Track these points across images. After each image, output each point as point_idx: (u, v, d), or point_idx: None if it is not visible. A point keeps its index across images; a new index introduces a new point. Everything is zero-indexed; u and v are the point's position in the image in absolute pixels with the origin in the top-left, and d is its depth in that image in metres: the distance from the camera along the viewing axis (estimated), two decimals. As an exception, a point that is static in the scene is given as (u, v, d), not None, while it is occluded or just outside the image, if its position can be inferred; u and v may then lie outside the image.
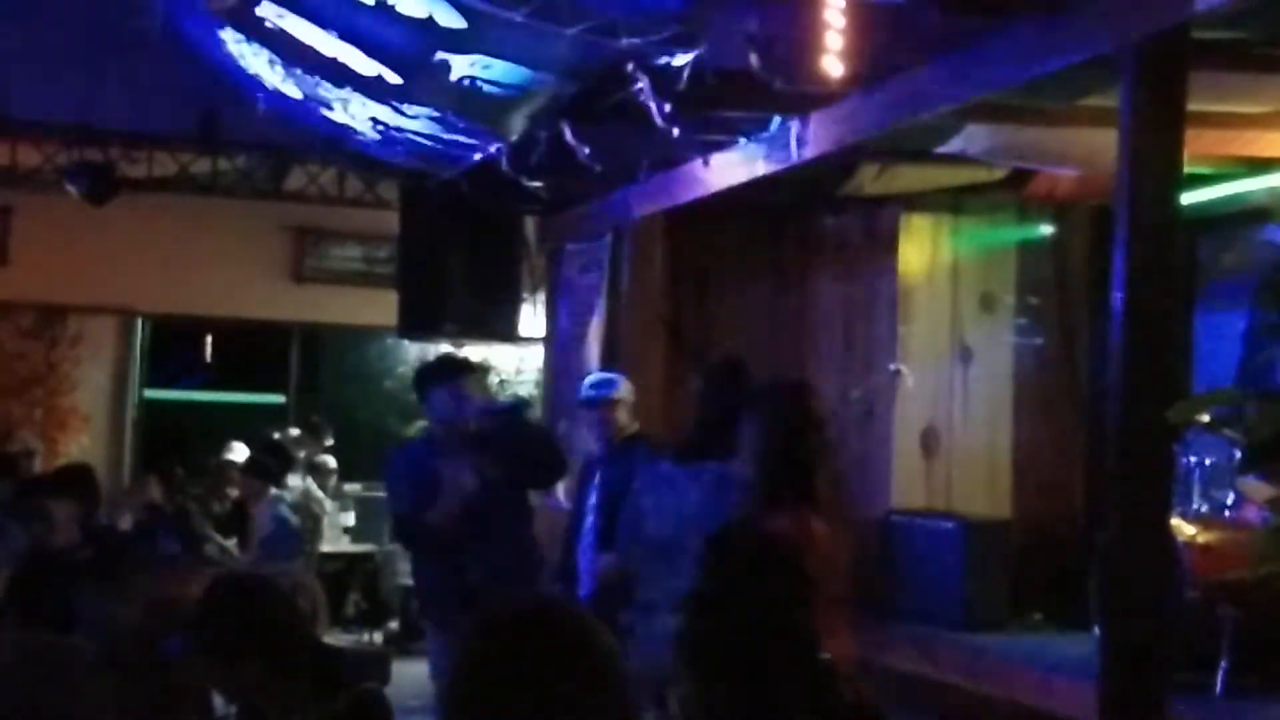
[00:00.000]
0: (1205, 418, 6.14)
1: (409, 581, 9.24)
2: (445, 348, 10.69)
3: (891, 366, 8.01)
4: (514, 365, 10.08)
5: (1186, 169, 5.08)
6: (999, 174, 7.77)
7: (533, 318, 9.66)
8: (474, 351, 10.39)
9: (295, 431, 9.74)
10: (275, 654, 3.13)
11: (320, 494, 9.53)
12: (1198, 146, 5.78)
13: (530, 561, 5.84)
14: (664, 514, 4.76)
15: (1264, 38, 5.04)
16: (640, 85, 6.18)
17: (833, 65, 4.97)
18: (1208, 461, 6.57)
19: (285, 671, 3.13)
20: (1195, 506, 6.57)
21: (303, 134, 8.02)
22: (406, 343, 10.72)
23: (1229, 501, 6.50)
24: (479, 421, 5.62)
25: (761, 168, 6.77)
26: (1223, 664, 5.76)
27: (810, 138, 6.36)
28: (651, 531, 4.79)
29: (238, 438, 10.18)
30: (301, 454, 9.55)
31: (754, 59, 5.50)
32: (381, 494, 10.10)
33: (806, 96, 5.99)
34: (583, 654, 1.87)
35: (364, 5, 5.81)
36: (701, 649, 2.61)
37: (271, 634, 3.16)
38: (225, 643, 3.15)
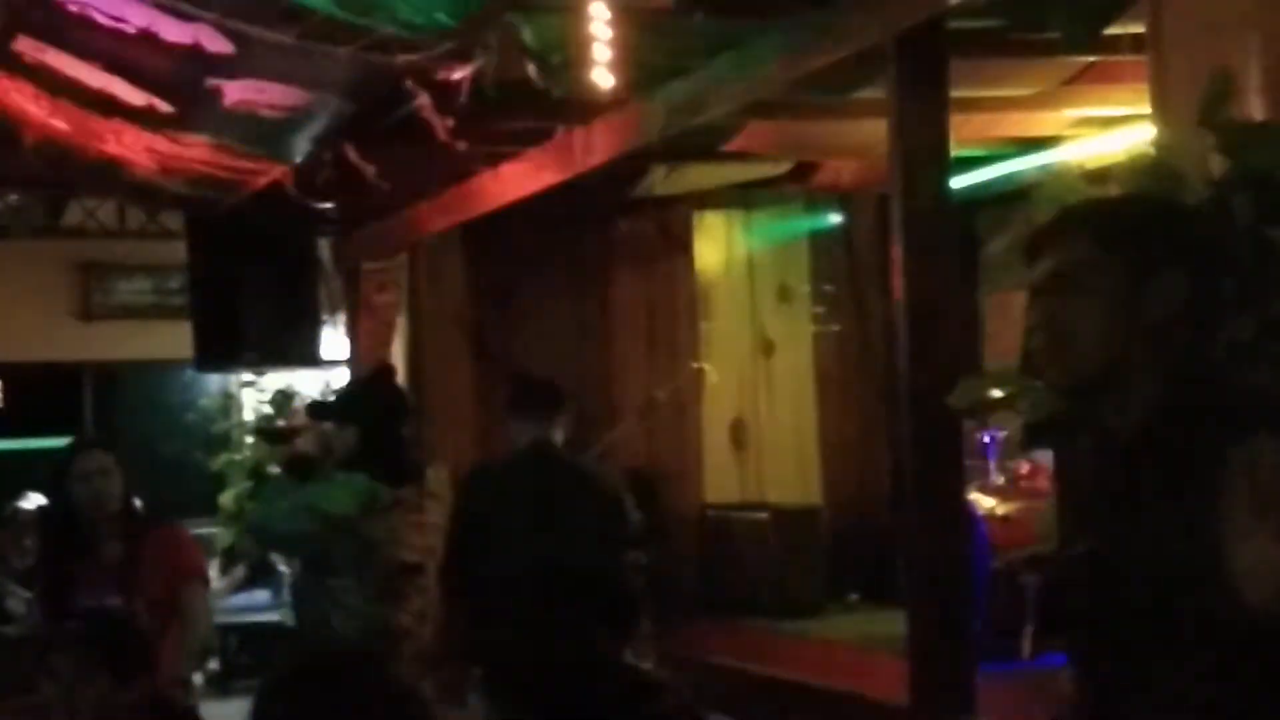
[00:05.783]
0: (997, 392, 6.32)
1: (227, 620, 9.00)
2: (246, 377, 10.44)
3: (694, 364, 8.09)
4: (318, 390, 9.88)
5: (960, 152, 5.24)
6: (785, 167, 7.92)
7: (334, 340, 9.49)
8: (275, 379, 10.17)
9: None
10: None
11: None
12: (968, 130, 5.98)
13: None
14: None
15: (1016, 26, 5.23)
16: (421, 101, 6.12)
17: (603, 77, 4.99)
18: (1001, 434, 6.80)
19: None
20: (993, 479, 6.79)
21: (76, 168, 7.75)
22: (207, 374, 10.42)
23: (1024, 471, 6.73)
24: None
25: (550, 176, 6.77)
26: (1028, 629, 5.95)
27: (595, 144, 6.39)
28: None
29: (34, 486, 9.75)
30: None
31: (532, 69, 5.50)
32: (201, 530, 9.86)
33: (588, 104, 6.00)
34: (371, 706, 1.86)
35: (127, 35, 5.63)
36: (503, 674, 2.60)
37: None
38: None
